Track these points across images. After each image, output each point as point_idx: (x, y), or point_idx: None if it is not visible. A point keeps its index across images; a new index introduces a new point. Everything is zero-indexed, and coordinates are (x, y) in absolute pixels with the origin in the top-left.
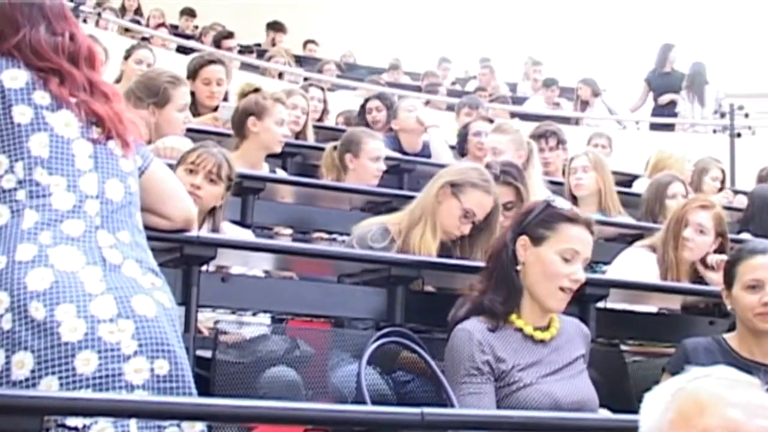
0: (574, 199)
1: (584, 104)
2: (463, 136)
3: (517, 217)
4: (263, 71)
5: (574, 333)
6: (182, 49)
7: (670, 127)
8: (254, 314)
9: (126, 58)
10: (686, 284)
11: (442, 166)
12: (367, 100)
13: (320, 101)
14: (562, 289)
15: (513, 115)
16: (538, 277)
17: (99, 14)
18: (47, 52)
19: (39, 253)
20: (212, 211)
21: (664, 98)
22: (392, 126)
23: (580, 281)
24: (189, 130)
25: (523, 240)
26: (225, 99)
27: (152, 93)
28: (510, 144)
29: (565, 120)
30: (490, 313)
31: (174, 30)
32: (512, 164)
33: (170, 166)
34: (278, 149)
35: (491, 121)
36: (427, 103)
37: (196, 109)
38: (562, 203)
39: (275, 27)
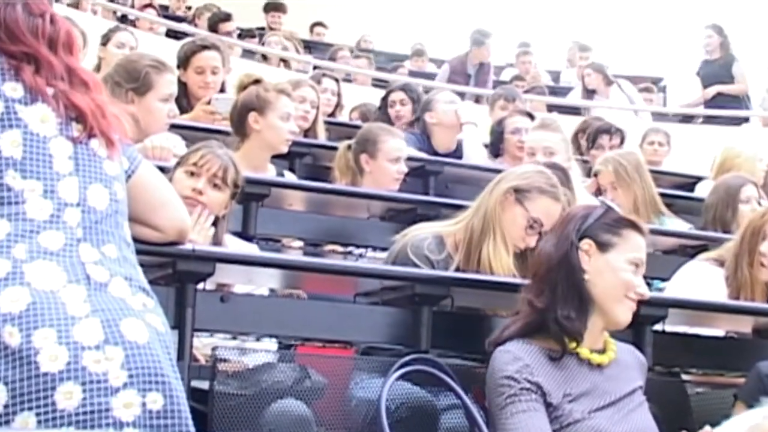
0: None
1: (590, 93)
2: (498, 133)
3: (570, 220)
4: (266, 59)
5: (631, 361)
6: (173, 34)
7: (736, 121)
8: (258, 339)
9: (104, 43)
10: (760, 304)
11: (474, 168)
12: (389, 92)
13: (333, 93)
14: (627, 299)
15: (550, 108)
16: (608, 286)
17: None
18: (24, 35)
19: (13, 270)
20: (213, 222)
21: (709, 91)
22: (427, 119)
23: (645, 296)
24: (177, 126)
25: (588, 245)
26: (222, 91)
27: (132, 78)
28: (562, 143)
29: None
30: (556, 336)
31: (163, 12)
32: (558, 166)
33: (160, 169)
34: (284, 149)
35: (531, 116)
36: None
37: (188, 102)
38: (586, 199)
39: (273, 6)
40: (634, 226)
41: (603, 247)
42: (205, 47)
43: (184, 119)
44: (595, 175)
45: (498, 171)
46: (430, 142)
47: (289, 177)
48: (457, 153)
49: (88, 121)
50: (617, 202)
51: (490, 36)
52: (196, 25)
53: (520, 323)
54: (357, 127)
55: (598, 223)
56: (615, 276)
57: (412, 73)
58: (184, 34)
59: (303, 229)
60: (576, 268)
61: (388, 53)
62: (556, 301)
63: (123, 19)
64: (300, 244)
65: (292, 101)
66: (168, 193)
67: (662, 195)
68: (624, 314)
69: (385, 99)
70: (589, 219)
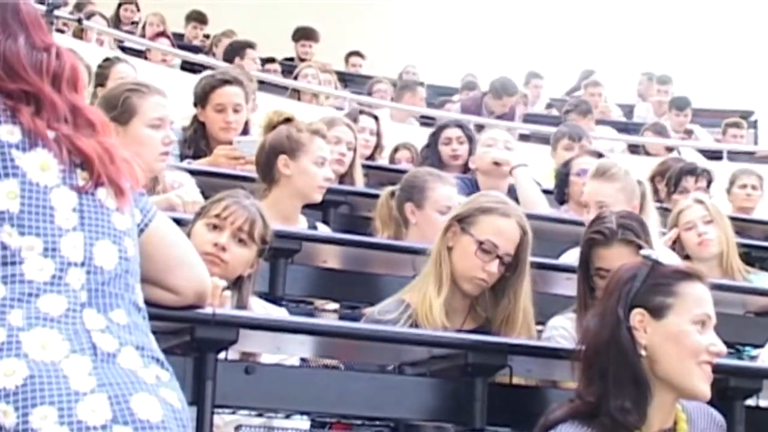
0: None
1: (688, 133)
2: (563, 177)
3: (614, 289)
4: (295, 94)
5: (706, 427)
6: (188, 66)
7: None
8: (288, 416)
9: (101, 83)
10: None
11: (532, 218)
12: (442, 128)
13: (372, 133)
14: (700, 366)
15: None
16: (673, 360)
17: (79, 21)
18: (26, 71)
19: (8, 339)
20: (237, 282)
21: None
22: (470, 165)
23: (722, 353)
24: (195, 173)
25: (640, 315)
26: (245, 131)
27: (111, 105)
28: (620, 194)
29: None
30: (611, 428)
31: (178, 41)
32: (633, 216)
33: (176, 221)
34: (318, 197)
35: (602, 155)
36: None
37: (208, 145)
38: (666, 255)
39: (304, 34)
40: (691, 276)
41: (657, 313)
42: (225, 82)
43: (202, 164)
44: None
45: (562, 221)
46: (479, 189)
47: (323, 230)
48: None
49: (94, 168)
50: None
51: (514, 90)
52: (213, 55)
53: (569, 408)
54: (401, 171)
55: (647, 285)
56: (679, 345)
57: (463, 109)
58: (202, 67)
59: (339, 290)
60: (628, 348)
61: (436, 86)
62: (608, 391)
63: (132, 50)
64: (335, 306)
65: (326, 143)
66: (186, 250)
67: (753, 247)
68: (700, 385)
69: (435, 136)
70: (635, 282)
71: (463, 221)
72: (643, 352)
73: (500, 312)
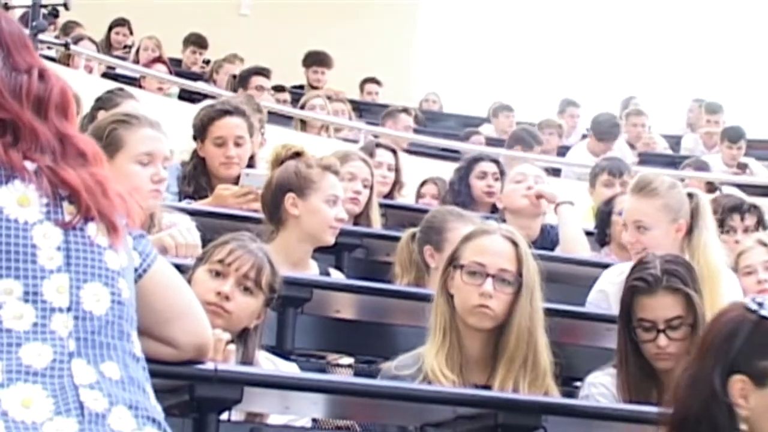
0: None
1: (741, 168)
2: (605, 216)
3: (712, 346)
4: (302, 125)
5: None
6: (187, 95)
7: None
8: None
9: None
10: None
11: (568, 262)
12: (475, 161)
13: (390, 168)
14: None
15: None
16: None
17: (66, 45)
18: (2, 96)
19: None
20: (242, 334)
21: None
22: (497, 204)
23: None
24: (194, 213)
25: (741, 383)
26: (250, 166)
27: (97, 138)
28: (661, 213)
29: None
30: None
31: (176, 67)
32: (680, 261)
33: (177, 268)
34: (330, 239)
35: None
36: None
37: (209, 182)
38: None
39: (316, 59)
40: None
41: (763, 379)
42: (225, 112)
43: (204, 204)
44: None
45: (603, 265)
46: None
47: (336, 276)
48: (543, 243)
49: (82, 201)
50: None
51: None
52: (214, 83)
53: None
54: (422, 210)
55: (752, 345)
56: None
57: (490, 141)
58: (202, 96)
59: (354, 343)
60: (723, 426)
61: (460, 116)
62: None
63: (125, 77)
64: (350, 361)
65: (340, 180)
66: (188, 300)
67: None
68: None
69: (467, 170)
70: (735, 341)
71: (452, 261)
72: (743, 427)
73: (507, 349)
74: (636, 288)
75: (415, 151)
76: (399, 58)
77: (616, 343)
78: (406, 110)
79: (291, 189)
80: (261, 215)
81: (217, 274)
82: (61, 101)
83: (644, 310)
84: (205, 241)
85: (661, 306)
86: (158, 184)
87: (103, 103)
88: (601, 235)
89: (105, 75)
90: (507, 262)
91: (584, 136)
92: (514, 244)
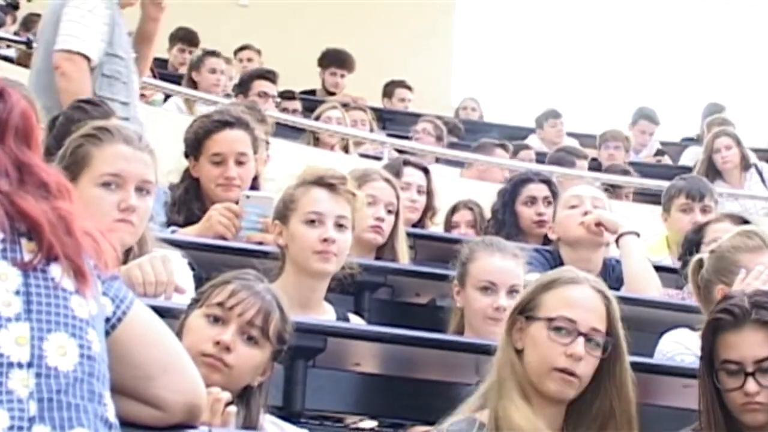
0: None
1: (715, 174)
2: (692, 246)
3: None
4: (315, 139)
5: None
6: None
7: None
8: None
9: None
10: None
11: (641, 304)
12: (522, 182)
13: (421, 191)
14: None
15: None
16: None
17: (27, 44)
18: None
19: None
20: (244, 394)
21: None
22: (549, 234)
23: None
24: (186, 246)
25: None
26: (254, 187)
27: (61, 156)
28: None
29: None
30: None
31: (161, 68)
32: None
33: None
34: (322, 268)
35: (744, 220)
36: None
37: (203, 207)
38: None
39: (335, 59)
40: None
41: None
42: (225, 124)
43: (191, 232)
44: None
45: (681, 308)
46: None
47: (356, 321)
48: (606, 280)
49: (44, 237)
50: None
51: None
52: (192, 82)
53: None
54: (459, 241)
55: None
56: None
57: (541, 157)
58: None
59: (377, 402)
60: None
61: (504, 126)
62: None
63: None
64: (373, 425)
65: (335, 195)
66: (174, 351)
67: None
68: None
69: (513, 193)
70: None
71: (525, 310)
72: None
73: (597, 416)
74: (719, 323)
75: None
76: (432, 59)
77: (696, 401)
78: (503, 146)
79: (277, 216)
80: (270, 248)
81: (216, 319)
82: (23, 126)
83: (729, 349)
84: (199, 281)
85: (749, 343)
86: (125, 213)
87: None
88: (686, 269)
89: None
90: (598, 320)
91: (660, 152)
92: (606, 298)
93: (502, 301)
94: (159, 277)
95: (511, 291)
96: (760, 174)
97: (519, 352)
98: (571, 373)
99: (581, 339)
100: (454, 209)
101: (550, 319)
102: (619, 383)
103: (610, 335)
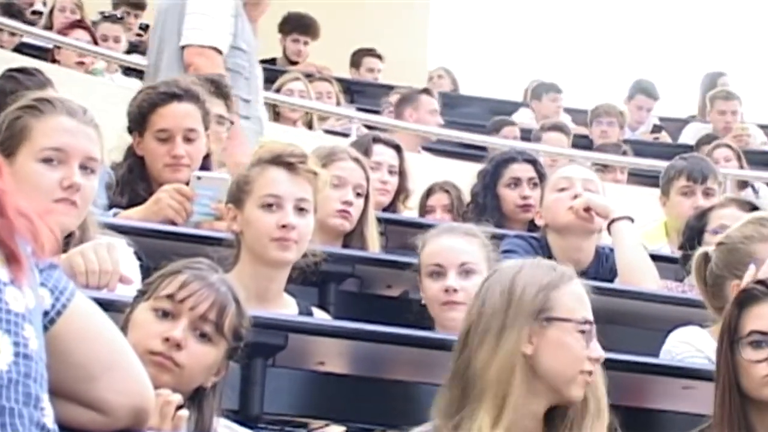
0: None
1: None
2: (695, 234)
3: None
4: (275, 113)
5: None
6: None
7: None
8: None
9: None
10: None
11: (636, 297)
12: (505, 162)
13: (393, 172)
14: None
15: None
16: None
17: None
18: None
19: None
20: (197, 396)
21: None
22: (536, 220)
23: None
24: (129, 232)
25: None
26: (206, 167)
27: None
28: None
29: None
30: None
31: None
32: None
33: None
34: (280, 257)
35: (753, 206)
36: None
37: (149, 188)
38: None
39: (298, 25)
40: None
41: None
42: (172, 97)
43: (135, 215)
44: None
45: (681, 301)
46: (551, 253)
47: (320, 316)
48: (598, 271)
49: None
50: None
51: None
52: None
53: None
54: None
55: None
56: None
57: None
58: (139, 73)
59: (344, 405)
60: None
61: (486, 100)
62: None
63: (34, 49)
64: (339, 430)
65: (294, 175)
66: (118, 349)
67: None
68: None
69: (494, 175)
70: None
71: (543, 311)
72: None
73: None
74: (751, 293)
75: (424, 147)
76: (405, 25)
77: (697, 404)
78: (427, 91)
79: (230, 199)
80: (224, 234)
81: (165, 314)
82: None
83: (759, 320)
84: (146, 272)
85: None
86: (68, 192)
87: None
88: (687, 259)
89: (20, 49)
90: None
91: (657, 128)
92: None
93: (451, 281)
94: (103, 265)
95: (464, 271)
96: (756, 193)
97: (528, 357)
98: (592, 372)
99: (595, 340)
100: (429, 192)
101: (580, 322)
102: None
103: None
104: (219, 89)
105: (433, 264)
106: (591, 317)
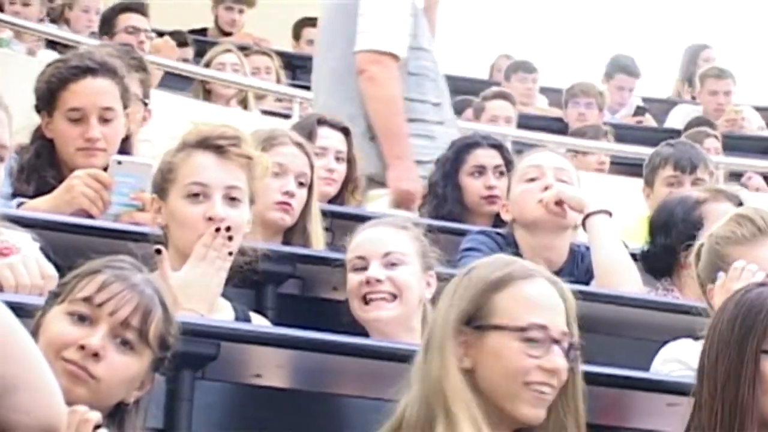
0: None
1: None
2: (690, 226)
3: None
4: (206, 91)
5: None
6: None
7: None
8: None
9: None
10: None
11: (614, 302)
12: (467, 148)
13: (340, 159)
14: None
15: None
16: None
17: None
18: None
19: None
20: (117, 412)
21: None
22: (502, 214)
23: None
24: (33, 225)
25: None
26: (125, 151)
27: None
28: None
29: None
30: None
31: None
32: None
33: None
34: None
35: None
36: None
37: (59, 175)
38: None
39: None
40: None
41: None
42: (85, 71)
43: (44, 207)
44: None
45: (674, 308)
46: (520, 250)
47: (258, 322)
48: (572, 272)
49: None
50: None
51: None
52: (67, 24)
53: None
54: None
55: None
56: None
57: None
58: (59, 47)
59: (283, 423)
60: None
61: (453, 78)
62: None
63: None
64: None
65: (224, 160)
66: (27, 361)
67: None
68: None
69: (454, 162)
70: None
71: (474, 319)
72: None
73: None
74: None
75: None
76: None
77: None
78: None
79: (155, 188)
80: (150, 229)
81: (82, 318)
82: None
83: None
84: (59, 271)
85: None
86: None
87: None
88: (667, 260)
89: None
90: (563, 322)
91: (640, 110)
92: (562, 292)
93: (373, 271)
94: (35, 280)
95: (390, 263)
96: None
97: (468, 371)
98: (549, 386)
99: (557, 348)
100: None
101: (522, 329)
102: (575, 396)
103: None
104: (137, 63)
105: (356, 257)
106: (548, 321)
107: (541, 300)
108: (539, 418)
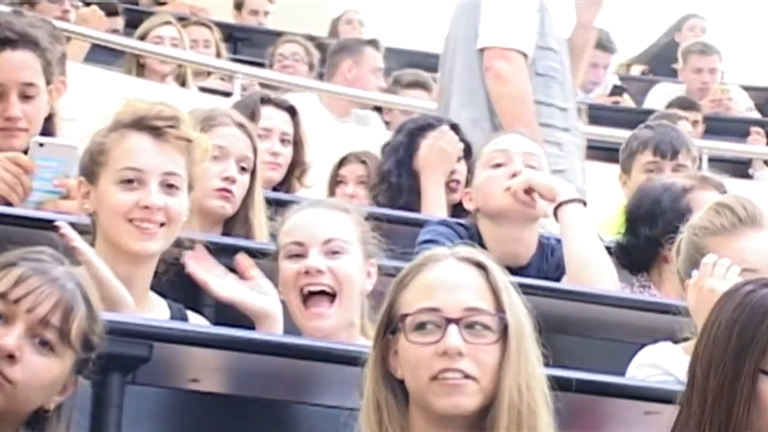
0: None
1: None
2: (676, 216)
3: None
4: (139, 66)
5: None
6: None
7: None
8: None
9: None
10: None
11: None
12: (423, 129)
13: (285, 141)
14: None
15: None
16: None
17: None
18: None
19: None
20: (36, 420)
21: None
22: (465, 203)
23: None
24: None
25: None
26: (48, 131)
27: None
28: None
29: None
30: None
31: None
32: None
33: None
34: (138, 247)
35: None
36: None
37: None
38: None
39: None
40: None
41: None
42: (5, 43)
43: None
44: None
45: (653, 307)
46: (483, 242)
47: (196, 321)
48: (542, 268)
49: None
50: None
51: None
52: None
53: None
54: None
55: None
56: None
57: None
58: None
59: None
60: None
61: (406, 52)
62: None
63: None
64: None
65: (161, 142)
66: None
67: None
68: None
69: (409, 146)
70: None
71: (391, 325)
72: None
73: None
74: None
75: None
76: None
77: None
78: (373, 43)
79: (82, 172)
80: (75, 217)
81: None
82: None
83: None
84: None
85: None
86: None
87: None
88: (645, 254)
89: None
90: (476, 298)
91: (618, 89)
92: (481, 266)
93: (313, 260)
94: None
95: (331, 250)
96: None
97: (393, 378)
98: (455, 372)
99: (453, 327)
100: (342, 162)
101: (405, 316)
102: (526, 374)
103: (503, 314)
104: (59, 37)
105: (292, 242)
106: (441, 302)
107: (436, 283)
108: (458, 406)
